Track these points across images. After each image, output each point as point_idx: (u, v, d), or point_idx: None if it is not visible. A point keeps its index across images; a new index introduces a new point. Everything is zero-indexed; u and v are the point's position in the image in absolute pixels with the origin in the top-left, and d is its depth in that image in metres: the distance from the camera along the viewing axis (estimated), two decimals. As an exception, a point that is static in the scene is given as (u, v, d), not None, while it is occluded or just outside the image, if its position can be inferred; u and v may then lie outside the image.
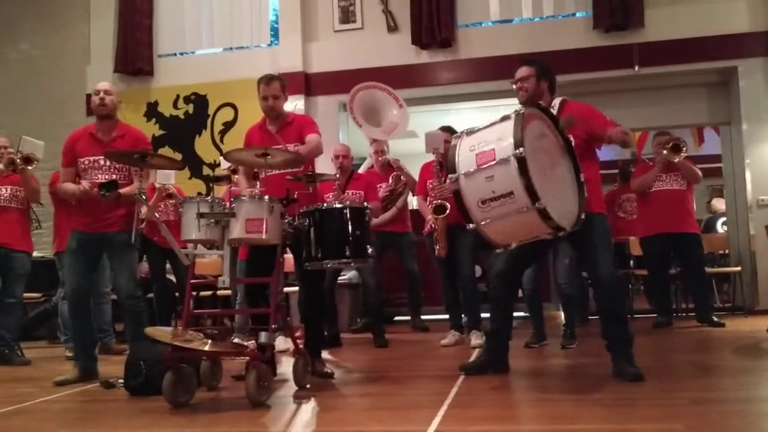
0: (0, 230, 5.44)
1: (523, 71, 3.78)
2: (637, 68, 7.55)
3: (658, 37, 7.54)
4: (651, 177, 6.22)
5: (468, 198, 3.27)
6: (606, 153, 11.66)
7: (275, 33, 8.84)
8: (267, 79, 4.16)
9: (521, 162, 3.07)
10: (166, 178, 6.12)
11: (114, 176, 4.21)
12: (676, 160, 5.96)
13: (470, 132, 3.40)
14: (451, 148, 3.41)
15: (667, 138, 6.15)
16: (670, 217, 6.13)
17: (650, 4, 7.63)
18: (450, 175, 3.36)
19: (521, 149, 3.07)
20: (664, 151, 5.99)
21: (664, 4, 7.64)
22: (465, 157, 3.28)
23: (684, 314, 6.82)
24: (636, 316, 7.07)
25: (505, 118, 3.26)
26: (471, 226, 3.33)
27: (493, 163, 3.16)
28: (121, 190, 4.11)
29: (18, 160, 5.32)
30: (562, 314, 5.39)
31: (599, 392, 3.34)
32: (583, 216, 3.43)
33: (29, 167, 5.36)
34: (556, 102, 3.78)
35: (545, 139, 3.41)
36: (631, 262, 7.23)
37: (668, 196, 6.18)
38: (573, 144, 3.56)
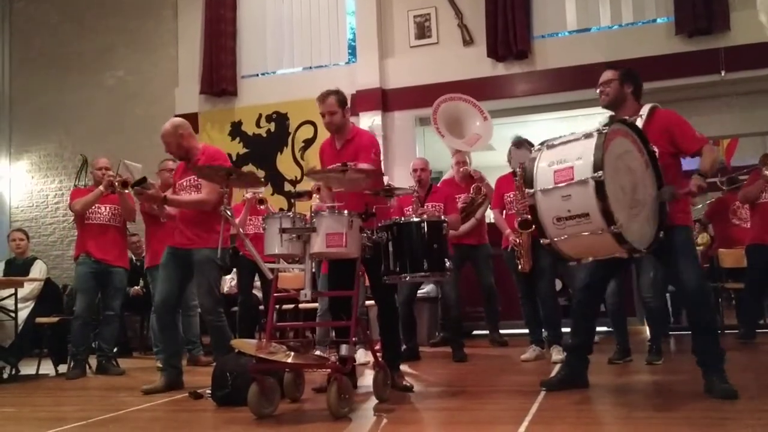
0: (101, 247, 5.68)
1: (606, 75, 3.75)
2: (723, 73, 7.30)
3: (745, 41, 7.28)
4: (754, 190, 6.17)
5: (543, 214, 3.25)
6: (690, 163, 11.23)
7: (353, 51, 9.03)
8: (322, 97, 4.15)
9: (599, 185, 3.03)
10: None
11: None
12: None
13: (550, 145, 3.35)
14: (529, 161, 3.37)
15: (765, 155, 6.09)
16: None
17: (736, 7, 7.38)
18: (527, 190, 3.32)
19: (600, 173, 3.02)
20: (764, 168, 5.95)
21: (750, 5, 7.34)
22: (543, 172, 3.25)
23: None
24: (727, 331, 6.76)
25: (587, 135, 3.20)
26: (545, 241, 3.31)
27: (571, 182, 3.12)
28: (185, 198, 4.41)
29: (116, 183, 5.58)
30: (647, 329, 5.22)
31: (688, 410, 3.21)
32: (661, 235, 3.35)
33: (126, 190, 5.59)
34: (645, 109, 3.65)
35: (629, 155, 3.31)
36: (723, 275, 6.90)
37: None
38: (657, 156, 3.44)
